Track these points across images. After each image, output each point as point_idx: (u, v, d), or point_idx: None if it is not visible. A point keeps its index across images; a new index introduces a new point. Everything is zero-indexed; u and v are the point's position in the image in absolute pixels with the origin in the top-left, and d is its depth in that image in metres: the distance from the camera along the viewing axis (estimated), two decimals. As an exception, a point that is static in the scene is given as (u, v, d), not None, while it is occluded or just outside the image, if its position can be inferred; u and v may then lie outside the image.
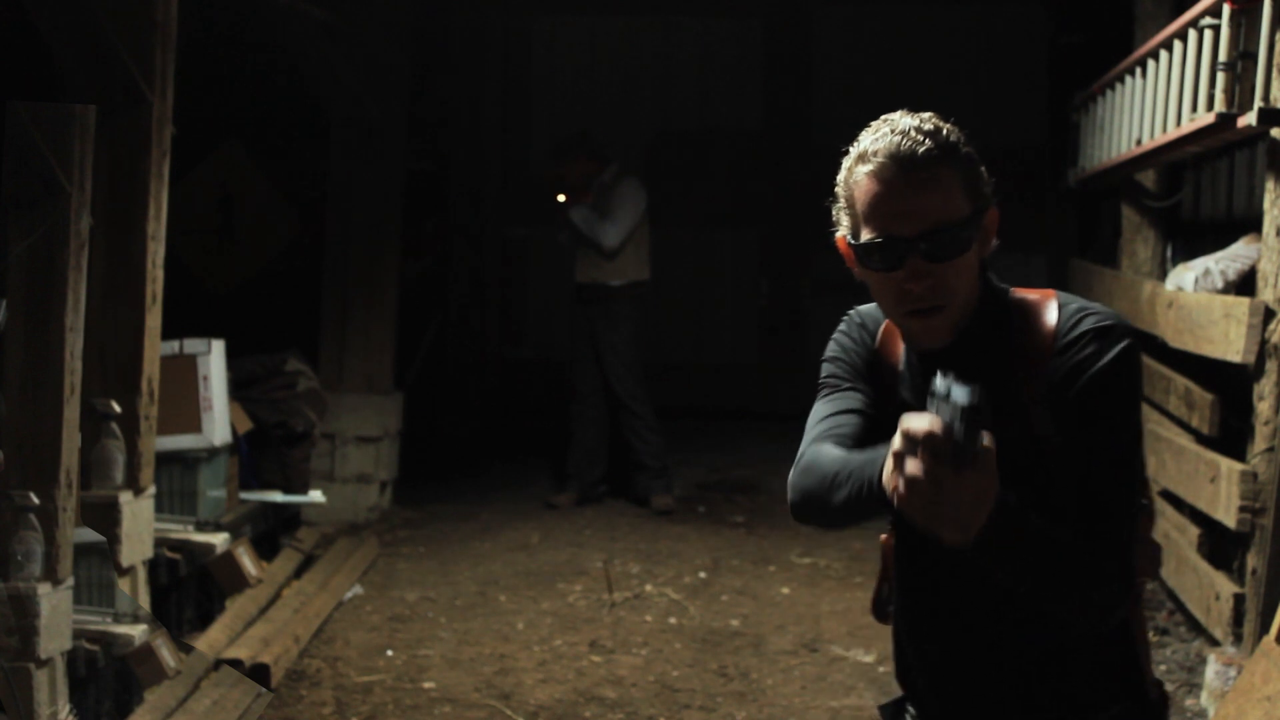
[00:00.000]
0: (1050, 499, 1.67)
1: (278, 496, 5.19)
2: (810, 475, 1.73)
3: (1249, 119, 3.75)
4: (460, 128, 8.32)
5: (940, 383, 1.48)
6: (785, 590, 5.16)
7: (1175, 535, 4.47)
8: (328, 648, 4.48)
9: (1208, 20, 4.11)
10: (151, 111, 3.71)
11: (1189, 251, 5.16)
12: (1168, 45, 4.66)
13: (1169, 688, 3.83)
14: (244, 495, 4.96)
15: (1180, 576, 4.41)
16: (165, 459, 4.26)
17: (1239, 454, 3.96)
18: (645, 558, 5.61)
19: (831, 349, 1.90)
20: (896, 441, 1.48)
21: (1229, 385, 4.20)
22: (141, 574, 3.77)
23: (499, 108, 8.68)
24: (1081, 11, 7.49)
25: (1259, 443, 3.78)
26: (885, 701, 1.97)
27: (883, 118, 1.74)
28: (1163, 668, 4.11)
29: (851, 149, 1.73)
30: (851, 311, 1.93)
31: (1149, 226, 5.75)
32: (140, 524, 3.73)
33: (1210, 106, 4.06)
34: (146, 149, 3.72)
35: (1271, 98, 3.68)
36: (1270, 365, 3.71)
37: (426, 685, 4.12)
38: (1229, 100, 3.92)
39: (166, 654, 3.64)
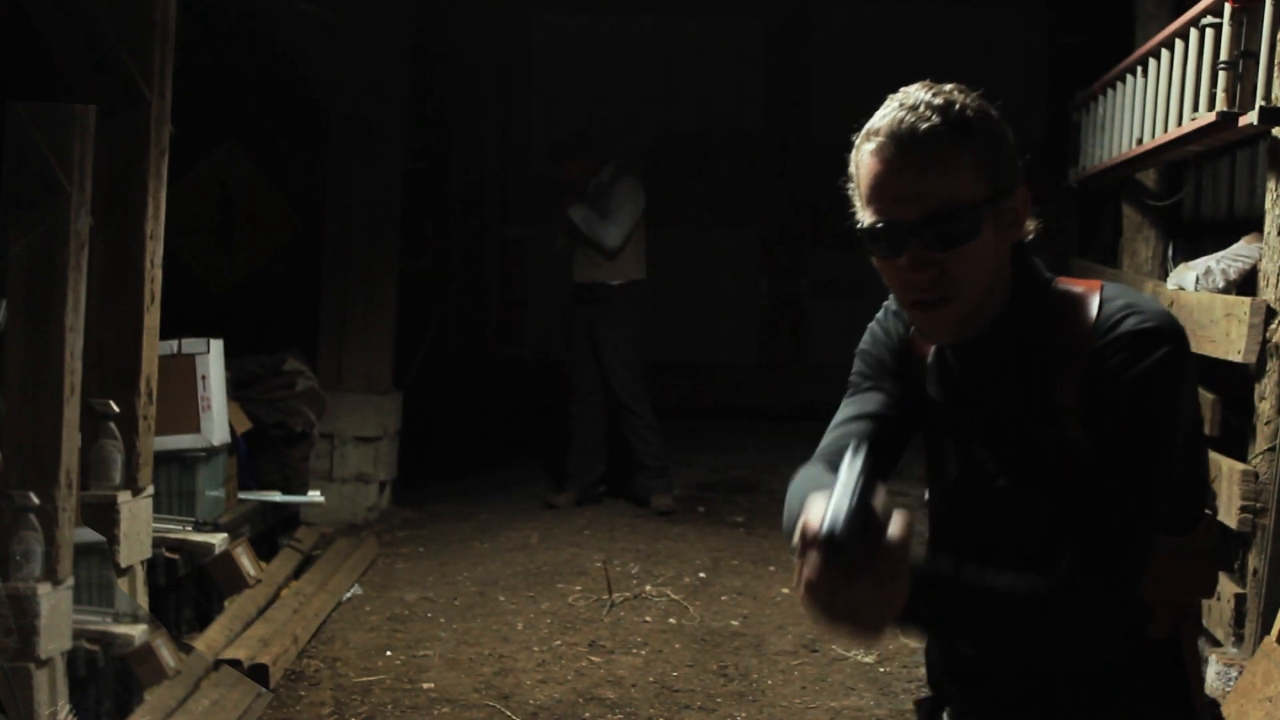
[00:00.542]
0: (1083, 509, 1.56)
1: (276, 497, 5.19)
2: (788, 501, 1.66)
3: (1250, 118, 3.74)
4: (460, 128, 8.32)
5: (844, 465, 1.36)
6: (785, 590, 5.16)
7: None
8: (327, 648, 4.47)
9: (1209, 19, 4.10)
10: (150, 111, 3.71)
11: (1190, 251, 5.15)
12: (1168, 44, 4.66)
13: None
14: (243, 495, 4.96)
15: (1181, 577, 4.40)
16: (164, 459, 4.25)
17: (1240, 454, 3.95)
18: (645, 558, 5.60)
19: (863, 341, 1.81)
20: (796, 536, 1.36)
21: (1230, 385, 4.19)
22: (140, 574, 3.76)
23: (499, 108, 8.68)
24: (1081, 11, 7.49)
25: (1260, 443, 3.77)
26: (922, 697, 1.87)
27: (900, 90, 1.63)
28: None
29: (866, 123, 1.61)
30: (887, 301, 1.81)
31: (1150, 226, 5.75)
32: (139, 524, 3.72)
33: (1211, 105, 4.06)
34: (145, 149, 3.72)
35: (1273, 96, 3.68)
36: (1271, 365, 3.71)
37: (426, 685, 4.12)
38: (1230, 99, 3.91)
39: (166, 654, 3.63)
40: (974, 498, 1.71)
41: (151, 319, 3.81)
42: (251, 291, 7.02)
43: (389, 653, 4.43)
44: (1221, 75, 3.94)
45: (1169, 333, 1.57)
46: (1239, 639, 3.79)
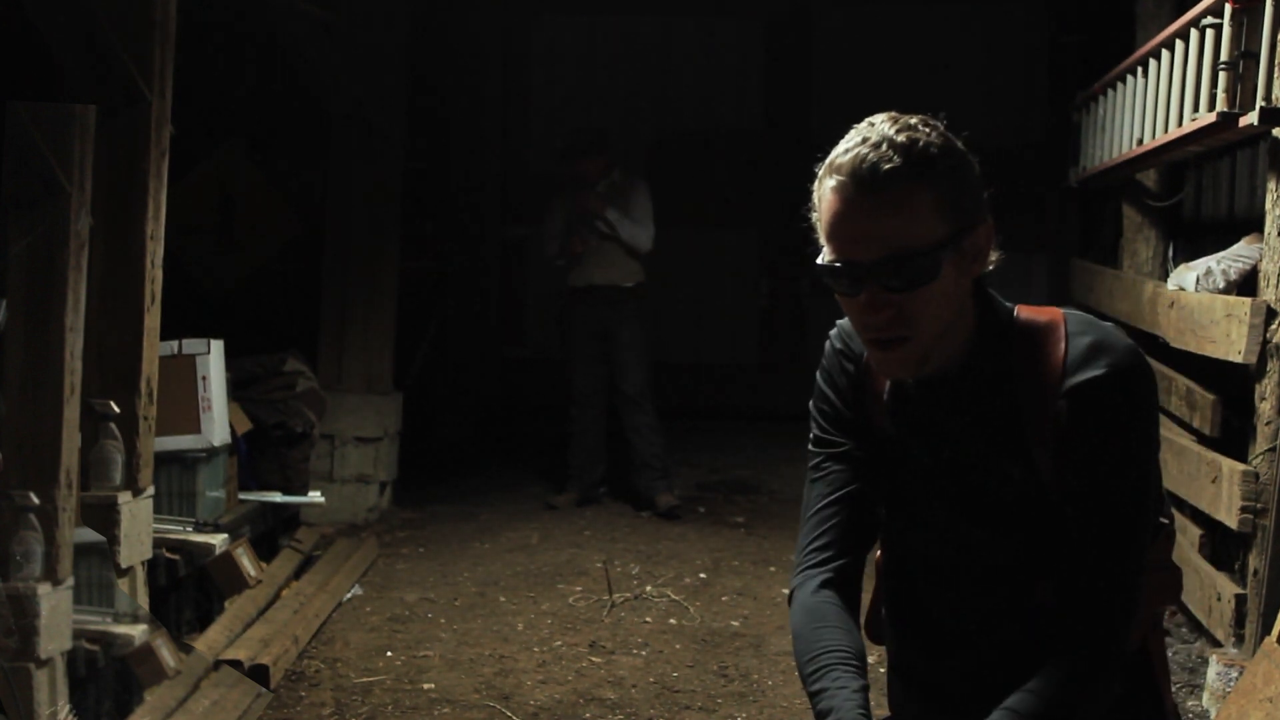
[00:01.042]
0: (1052, 545, 1.59)
1: (277, 497, 5.18)
2: (795, 638, 1.72)
3: (1250, 118, 3.75)
4: (460, 128, 8.32)
5: None
6: (786, 590, 5.15)
7: (1177, 536, 4.46)
8: (327, 649, 4.47)
9: (1209, 19, 4.11)
10: (150, 111, 3.70)
11: (1190, 251, 5.16)
12: (1169, 44, 4.66)
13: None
14: (243, 496, 4.96)
15: (1182, 577, 4.40)
16: (164, 459, 4.25)
17: (1240, 454, 3.95)
18: (645, 558, 5.60)
19: (815, 396, 1.79)
20: None
21: (1230, 385, 4.19)
22: (140, 574, 3.76)
23: (499, 108, 8.68)
24: (1081, 11, 7.50)
25: (1260, 443, 3.77)
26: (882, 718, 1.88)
27: (866, 120, 1.58)
28: (1168, 667, 4.10)
29: (830, 153, 1.58)
30: (833, 331, 1.79)
31: (1150, 226, 5.75)
32: (139, 524, 3.72)
33: (1212, 106, 4.06)
34: (145, 149, 3.71)
35: (1273, 97, 3.68)
36: (1272, 365, 3.71)
37: (426, 686, 4.12)
38: (1230, 100, 3.91)
39: (166, 654, 3.63)
40: (934, 529, 1.71)
41: (151, 319, 3.80)
42: (251, 291, 7.02)
43: (389, 653, 4.43)
44: (1222, 75, 3.94)
45: (1141, 371, 1.58)
46: (1239, 639, 3.79)
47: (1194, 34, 4.29)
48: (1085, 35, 7.32)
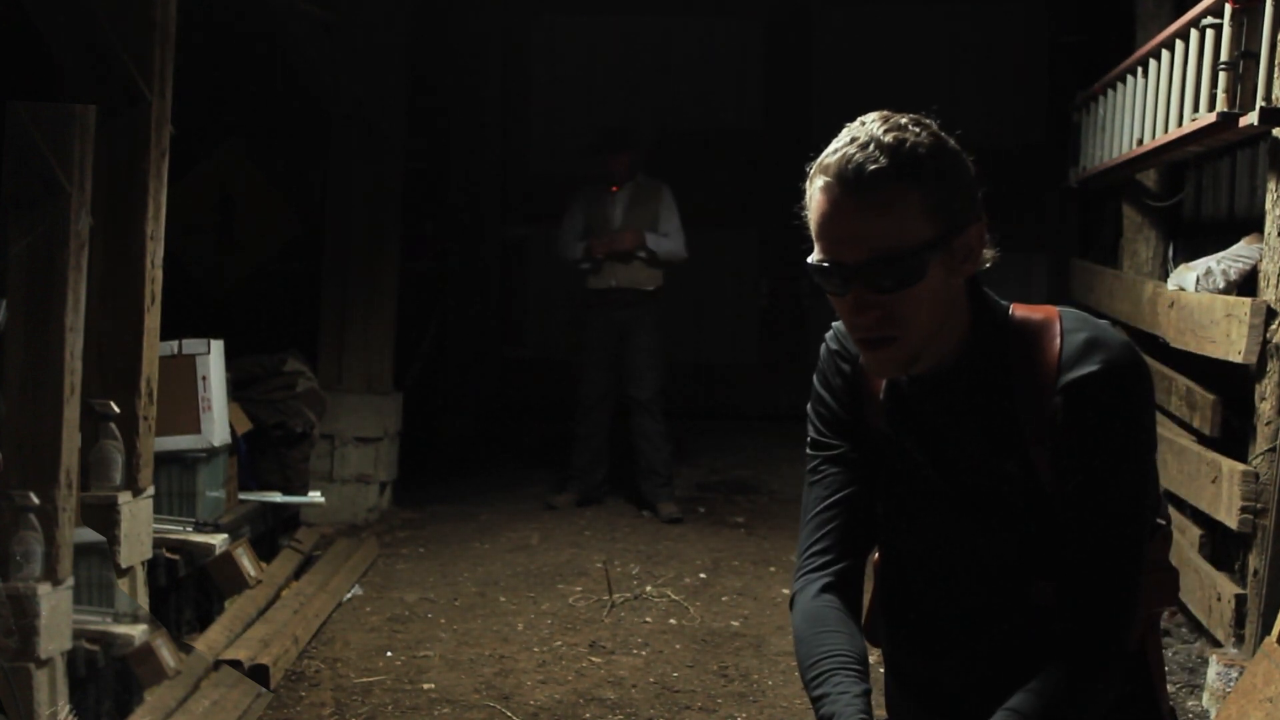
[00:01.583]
0: (1050, 543, 1.59)
1: (277, 497, 5.18)
2: (797, 642, 1.71)
3: (1250, 118, 3.75)
4: (460, 128, 8.31)
5: None
6: (786, 591, 5.15)
7: (1176, 536, 4.46)
8: (327, 649, 4.47)
9: (1209, 19, 4.11)
10: (150, 111, 3.70)
11: (1190, 251, 5.16)
12: (1169, 44, 4.66)
13: (1169, 688, 3.83)
14: (243, 496, 4.96)
15: (1182, 577, 4.38)
16: (164, 459, 4.25)
17: (1240, 454, 3.95)
18: (645, 558, 5.60)
19: (812, 399, 1.80)
20: None
21: (1230, 385, 4.19)
22: (140, 574, 3.76)
23: (499, 108, 8.68)
24: (1081, 11, 7.50)
25: (1260, 443, 3.77)
26: None
27: (858, 119, 1.58)
28: (1165, 668, 4.10)
29: (821, 153, 1.58)
30: (829, 332, 1.79)
31: (1150, 226, 5.75)
32: (139, 524, 3.72)
33: (1212, 106, 4.06)
34: (145, 149, 3.71)
35: (1273, 97, 3.68)
36: (1272, 365, 3.71)
37: (426, 686, 4.12)
38: (1230, 100, 3.92)
39: (166, 654, 3.63)
40: (931, 528, 1.71)
41: (151, 319, 3.80)
42: (251, 291, 7.02)
43: (389, 653, 4.43)
44: (1222, 76, 3.94)
45: (1136, 368, 1.58)
46: (1239, 639, 3.79)
47: (1194, 34, 4.29)
48: (1085, 35, 7.32)
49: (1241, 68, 3.87)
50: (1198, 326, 4.27)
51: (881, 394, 1.71)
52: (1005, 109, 8.28)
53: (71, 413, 3.26)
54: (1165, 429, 4.73)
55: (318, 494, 5.49)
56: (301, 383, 5.51)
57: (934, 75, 8.29)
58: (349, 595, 5.06)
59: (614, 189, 6.46)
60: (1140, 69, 5.13)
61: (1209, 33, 4.11)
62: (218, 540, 4.23)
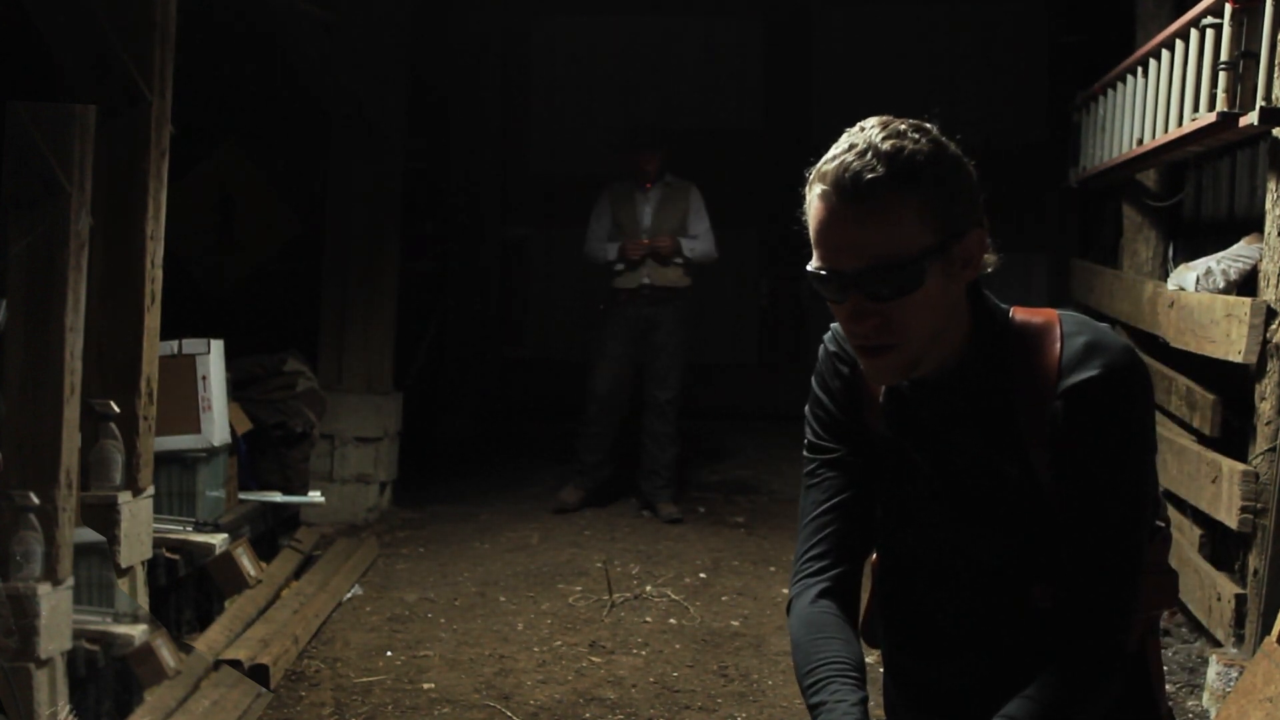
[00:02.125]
0: (1049, 547, 1.59)
1: (277, 497, 5.18)
2: (794, 648, 1.70)
3: (1250, 118, 3.75)
4: (460, 128, 8.31)
5: None
6: (786, 591, 5.15)
7: (1176, 536, 4.46)
8: (327, 648, 4.47)
9: (1209, 19, 4.11)
10: (150, 111, 3.70)
11: (1190, 251, 5.16)
12: (1169, 44, 4.66)
13: (1169, 688, 3.83)
14: (243, 496, 4.96)
15: (1182, 577, 4.39)
16: (164, 459, 4.25)
17: (1240, 454, 3.95)
18: (645, 558, 5.60)
19: (810, 401, 1.80)
20: None
21: (1230, 385, 4.19)
22: (140, 574, 3.76)
23: (499, 108, 8.68)
24: (1081, 11, 7.49)
25: (1260, 443, 3.77)
26: None
27: (858, 125, 1.57)
28: (1164, 669, 4.10)
29: (820, 159, 1.58)
30: (827, 334, 1.79)
31: (1150, 226, 5.75)
32: (139, 524, 3.72)
33: (1212, 106, 4.06)
34: (145, 149, 3.71)
35: (1273, 97, 3.68)
36: (1272, 365, 3.71)
37: (426, 686, 4.12)
38: (1230, 99, 3.91)
39: (166, 654, 3.63)
40: (930, 531, 1.71)
41: (151, 319, 3.80)
42: (251, 291, 7.02)
43: (389, 653, 4.43)
44: (1222, 75, 3.94)
45: (1136, 372, 1.57)
46: (1239, 639, 3.79)
47: (1194, 34, 4.29)
48: (1085, 35, 7.31)
49: (1241, 67, 3.87)
50: (1198, 326, 4.27)
51: (881, 397, 1.71)
52: (1005, 109, 8.28)
53: (71, 413, 3.26)
54: (1165, 429, 4.73)
55: (318, 494, 5.49)
56: (301, 383, 5.51)
57: (934, 75, 8.29)
58: (349, 595, 5.06)
59: (648, 185, 6.43)
60: (1140, 69, 5.13)
61: (1209, 32, 4.11)
62: (218, 540, 4.23)
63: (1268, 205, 3.82)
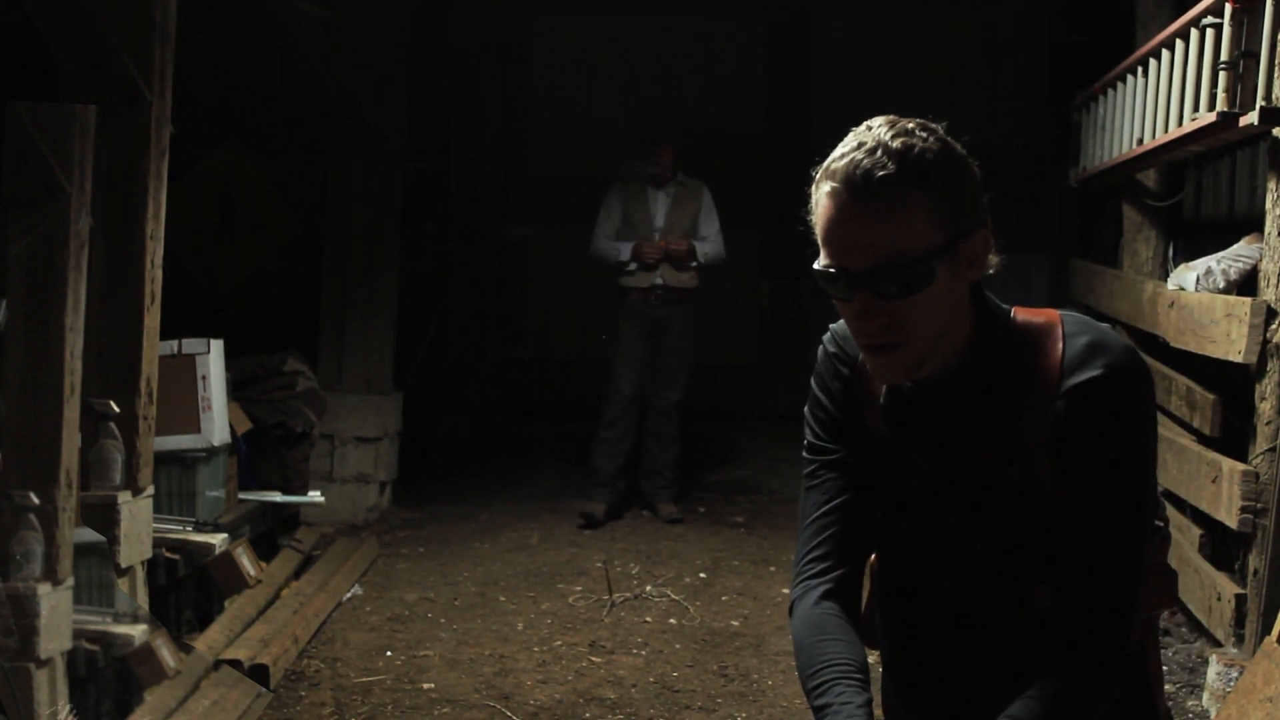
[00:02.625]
0: (1049, 547, 1.59)
1: (277, 497, 5.18)
2: (797, 650, 1.71)
3: (1251, 118, 3.74)
4: (460, 128, 8.31)
5: None
6: (786, 590, 5.16)
7: (1177, 536, 4.46)
8: (327, 648, 4.47)
9: (1209, 19, 4.11)
10: (150, 111, 3.70)
11: (1190, 251, 5.15)
12: (1169, 44, 4.66)
13: (1169, 688, 3.83)
14: (243, 496, 4.96)
15: (1182, 577, 4.40)
16: (164, 459, 4.25)
17: (1240, 454, 3.95)
18: (645, 558, 5.60)
19: (809, 402, 1.79)
20: None
21: (1230, 385, 4.19)
22: (140, 574, 3.76)
23: (499, 108, 8.68)
24: (1081, 11, 7.49)
25: (1260, 443, 3.77)
26: None
27: (865, 124, 1.57)
28: (1164, 669, 4.10)
29: (827, 157, 1.57)
30: (827, 335, 1.78)
31: (1150, 226, 5.75)
32: (139, 524, 3.72)
33: (1212, 106, 4.06)
34: (145, 149, 3.71)
35: (1273, 97, 3.68)
36: (1272, 365, 3.71)
37: (426, 686, 4.12)
38: (1230, 99, 3.91)
39: (166, 654, 3.63)
40: (931, 531, 1.71)
41: (151, 319, 3.80)
42: (251, 291, 7.02)
43: (389, 653, 4.43)
44: (1222, 75, 3.94)
45: (1138, 372, 1.57)
46: (1239, 639, 3.79)
47: (1194, 34, 4.29)
48: (1085, 35, 7.31)
49: (1241, 67, 3.87)
50: (1198, 326, 4.27)
51: (882, 397, 1.71)
52: (1005, 109, 8.28)
53: (71, 413, 3.26)
54: (1165, 429, 4.73)
55: (318, 494, 5.49)
56: (301, 382, 5.51)
57: (934, 75, 8.28)
58: (349, 595, 5.06)
59: (666, 178, 6.40)
60: (1140, 69, 5.13)
61: (1209, 32, 4.11)
62: (217, 540, 4.23)
63: (1268, 205, 3.82)
